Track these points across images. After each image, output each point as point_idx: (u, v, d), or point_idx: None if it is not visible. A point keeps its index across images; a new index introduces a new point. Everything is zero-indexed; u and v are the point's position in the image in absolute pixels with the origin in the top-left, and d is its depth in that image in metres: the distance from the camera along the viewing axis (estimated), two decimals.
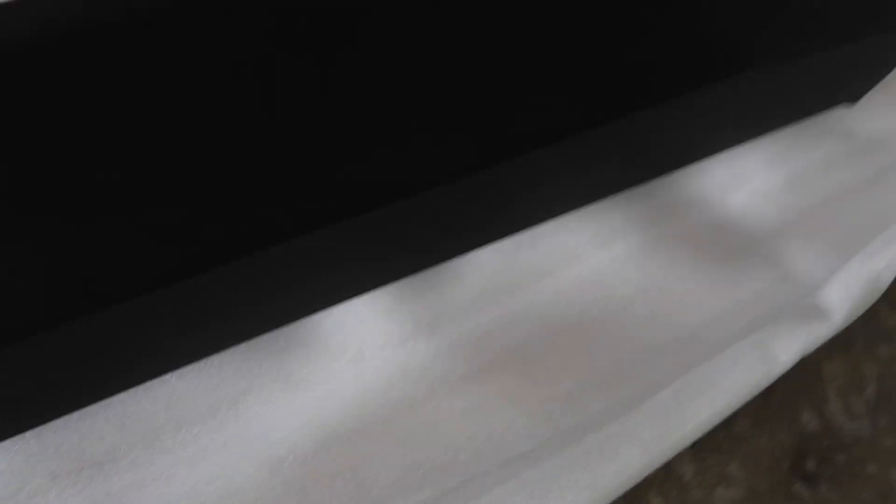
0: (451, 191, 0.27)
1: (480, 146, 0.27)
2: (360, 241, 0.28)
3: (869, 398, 0.32)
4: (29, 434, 0.28)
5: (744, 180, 0.36)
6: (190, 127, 0.24)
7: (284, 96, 0.25)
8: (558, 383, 0.30)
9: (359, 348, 0.31)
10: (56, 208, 0.23)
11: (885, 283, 0.30)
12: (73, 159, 0.23)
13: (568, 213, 0.34)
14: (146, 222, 0.23)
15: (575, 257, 0.33)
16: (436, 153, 0.26)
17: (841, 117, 0.39)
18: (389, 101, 0.26)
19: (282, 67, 0.25)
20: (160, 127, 0.24)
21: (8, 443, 0.28)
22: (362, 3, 0.26)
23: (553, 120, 0.27)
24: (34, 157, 0.23)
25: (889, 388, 0.33)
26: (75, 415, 0.28)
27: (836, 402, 0.32)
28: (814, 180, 0.36)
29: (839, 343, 0.33)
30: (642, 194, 0.35)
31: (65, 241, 0.23)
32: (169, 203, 0.23)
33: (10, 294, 0.22)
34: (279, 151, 0.25)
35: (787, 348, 0.28)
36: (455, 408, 0.29)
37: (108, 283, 0.22)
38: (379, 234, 0.28)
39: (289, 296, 0.30)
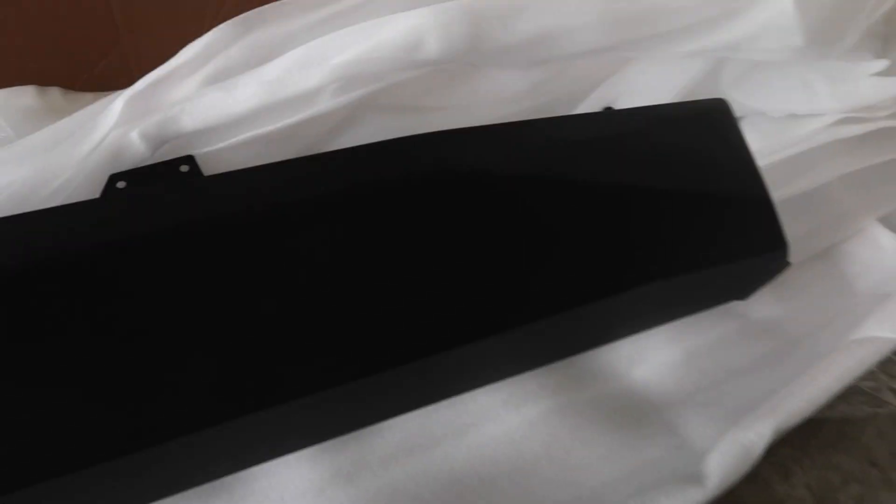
0: (382, 378, 0.31)
1: (410, 340, 0.31)
2: (295, 419, 0.32)
3: None
4: None
5: (648, 354, 0.41)
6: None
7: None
8: None
9: (280, 493, 0.33)
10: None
11: (756, 453, 0.33)
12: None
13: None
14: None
15: (490, 418, 0.37)
16: (370, 346, 0.31)
17: (735, 304, 0.44)
18: (323, 302, 0.31)
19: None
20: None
21: None
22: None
23: (478, 320, 0.32)
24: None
25: None
26: None
27: None
28: (709, 357, 0.41)
29: None
30: (556, 364, 0.39)
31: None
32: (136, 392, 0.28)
33: None
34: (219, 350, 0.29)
35: None
36: None
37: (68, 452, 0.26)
38: (314, 410, 0.32)
39: (230, 458, 0.33)
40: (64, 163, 0.37)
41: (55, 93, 0.42)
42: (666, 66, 0.49)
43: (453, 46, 0.40)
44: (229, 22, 0.40)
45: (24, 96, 0.41)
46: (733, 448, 0.33)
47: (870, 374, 0.42)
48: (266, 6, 0.41)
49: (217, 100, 0.38)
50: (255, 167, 0.35)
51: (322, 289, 0.31)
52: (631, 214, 0.36)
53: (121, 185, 0.37)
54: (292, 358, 0.29)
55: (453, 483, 0.34)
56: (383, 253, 0.32)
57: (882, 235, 0.47)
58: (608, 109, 0.48)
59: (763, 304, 0.44)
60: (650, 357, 0.41)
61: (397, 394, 0.35)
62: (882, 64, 0.46)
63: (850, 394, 0.41)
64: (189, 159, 0.39)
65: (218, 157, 0.40)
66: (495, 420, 0.36)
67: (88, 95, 0.44)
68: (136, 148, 0.38)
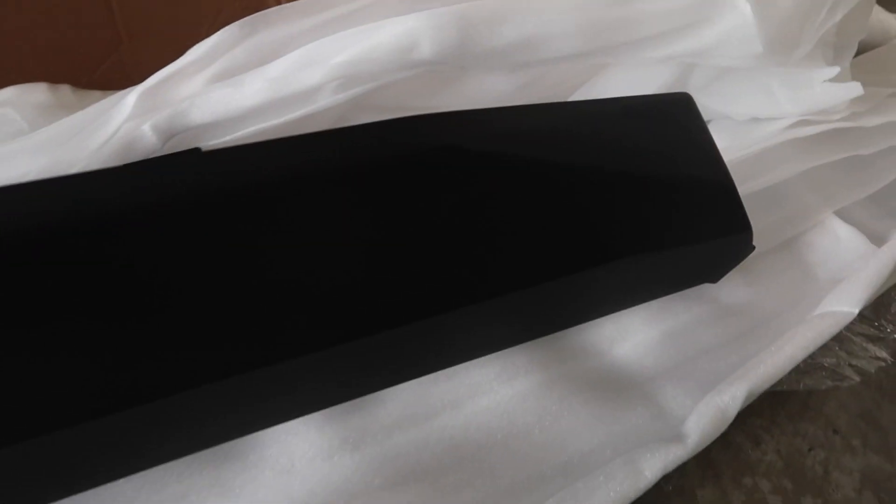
0: (383, 339, 0.33)
1: (408, 305, 0.33)
2: (300, 377, 0.34)
3: None
4: None
5: (628, 334, 0.44)
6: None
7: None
8: (464, 495, 0.34)
9: (290, 460, 0.35)
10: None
11: (731, 414, 0.36)
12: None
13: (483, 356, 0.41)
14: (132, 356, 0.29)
15: (484, 391, 0.39)
16: (371, 309, 0.33)
17: (707, 288, 0.47)
18: (329, 268, 0.33)
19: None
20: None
21: None
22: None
23: (471, 287, 0.35)
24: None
25: None
26: None
27: None
28: (684, 337, 0.44)
29: (709, 473, 0.39)
30: (543, 341, 0.42)
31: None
32: (152, 343, 0.29)
33: None
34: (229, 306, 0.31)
35: (651, 466, 0.34)
36: None
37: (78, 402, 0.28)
38: (319, 372, 0.34)
39: (235, 419, 0.35)
40: (78, 154, 0.39)
41: (65, 89, 0.44)
42: (639, 71, 0.52)
43: (445, 49, 0.43)
44: (235, 24, 0.43)
45: (35, 92, 0.43)
46: (710, 410, 0.36)
47: (831, 352, 0.45)
48: (270, 10, 0.44)
49: (225, 95, 0.41)
50: (263, 141, 0.37)
51: (317, 254, 0.33)
52: (603, 196, 0.39)
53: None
54: (293, 320, 0.31)
55: (453, 449, 0.36)
56: (375, 223, 0.34)
57: (839, 227, 0.51)
58: None
59: (732, 289, 0.48)
60: (630, 337, 0.44)
61: (394, 361, 0.37)
62: (834, 71, 0.50)
63: (813, 369, 0.44)
64: (198, 151, 0.41)
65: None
66: (489, 393, 0.39)
67: (97, 93, 0.46)
68: (148, 140, 0.40)
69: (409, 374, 0.38)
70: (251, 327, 0.31)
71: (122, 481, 0.33)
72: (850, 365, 0.45)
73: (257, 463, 0.35)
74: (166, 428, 0.32)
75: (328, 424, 0.36)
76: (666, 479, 0.36)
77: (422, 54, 0.43)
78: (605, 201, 0.39)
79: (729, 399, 0.36)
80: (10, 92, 0.43)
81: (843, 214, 0.53)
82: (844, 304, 0.42)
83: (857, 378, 0.44)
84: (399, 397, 0.38)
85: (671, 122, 0.42)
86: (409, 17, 0.42)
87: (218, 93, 0.41)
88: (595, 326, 0.44)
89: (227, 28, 0.43)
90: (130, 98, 0.40)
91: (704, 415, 0.36)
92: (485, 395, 0.39)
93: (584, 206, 0.38)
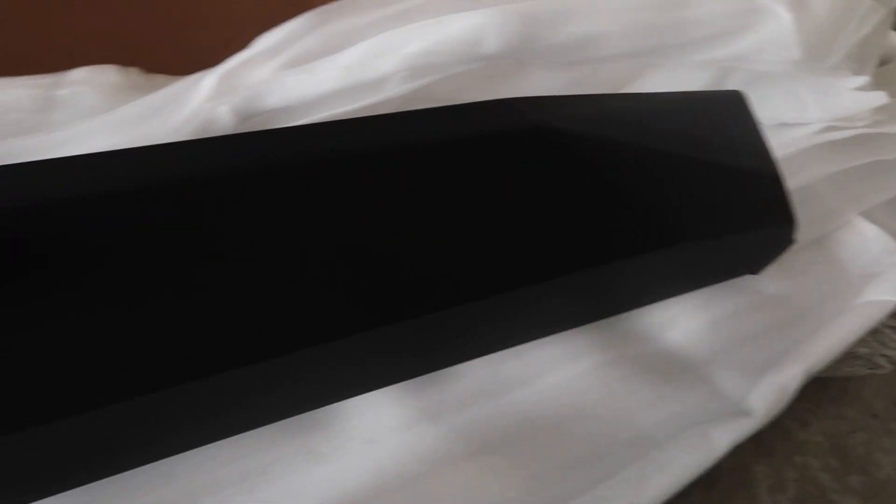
0: (459, 312, 0.34)
1: (481, 282, 0.35)
2: (382, 349, 0.35)
3: (791, 497, 0.39)
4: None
5: (677, 321, 0.46)
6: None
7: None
8: (540, 465, 0.36)
9: (373, 430, 0.36)
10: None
11: (791, 392, 0.38)
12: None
13: (546, 337, 0.42)
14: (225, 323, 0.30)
15: (551, 369, 0.40)
16: (449, 286, 0.34)
17: (747, 280, 0.50)
18: (415, 244, 0.34)
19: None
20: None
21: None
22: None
23: (540, 266, 0.36)
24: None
25: (806, 491, 0.40)
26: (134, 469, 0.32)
27: (765, 499, 0.39)
28: (730, 324, 0.46)
29: (762, 451, 0.41)
30: (602, 327, 0.44)
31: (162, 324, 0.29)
32: (238, 313, 0.30)
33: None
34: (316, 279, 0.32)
35: (721, 437, 0.35)
36: (456, 483, 0.34)
37: (176, 367, 0.29)
38: (399, 343, 0.35)
39: (318, 388, 0.36)
40: (158, 132, 0.40)
41: (135, 71, 0.45)
42: (680, 72, 0.55)
43: (508, 44, 0.45)
44: (308, 14, 0.45)
45: (107, 73, 0.44)
46: (772, 387, 0.38)
47: (865, 342, 0.48)
48: (342, 1, 0.45)
49: (300, 81, 0.42)
50: (340, 120, 0.38)
51: (391, 228, 0.34)
52: (663, 182, 0.41)
53: None
54: (366, 294, 0.32)
55: (526, 423, 0.37)
56: (448, 200, 0.35)
57: (866, 226, 0.54)
58: None
59: (770, 281, 0.50)
60: (679, 324, 0.46)
61: (464, 337, 0.38)
62: (862, 80, 0.54)
63: (849, 358, 0.47)
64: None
65: None
66: (556, 371, 0.40)
67: (161, 77, 0.47)
68: (225, 121, 0.41)
69: (478, 351, 0.40)
70: (326, 301, 0.32)
71: (212, 446, 0.34)
72: (882, 355, 0.48)
73: (341, 432, 0.36)
74: (255, 393, 0.33)
75: (406, 397, 0.37)
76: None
77: (487, 48, 0.44)
78: (664, 188, 0.41)
79: (789, 378, 0.38)
80: (84, 72, 0.43)
81: (867, 215, 0.56)
82: (886, 293, 0.44)
83: (889, 367, 0.47)
84: (471, 373, 0.39)
85: (726, 116, 0.44)
86: (477, 13, 0.44)
87: (293, 78, 0.42)
88: (645, 314, 0.46)
89: (300, 17, 0.45)
90: (208, 80, 0.41)
91: (767, 391, 0.38)
92: (551, 373, 0.40)
93: (644, 191, 0.40)
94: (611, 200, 0.39)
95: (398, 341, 0.35)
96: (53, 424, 0.26)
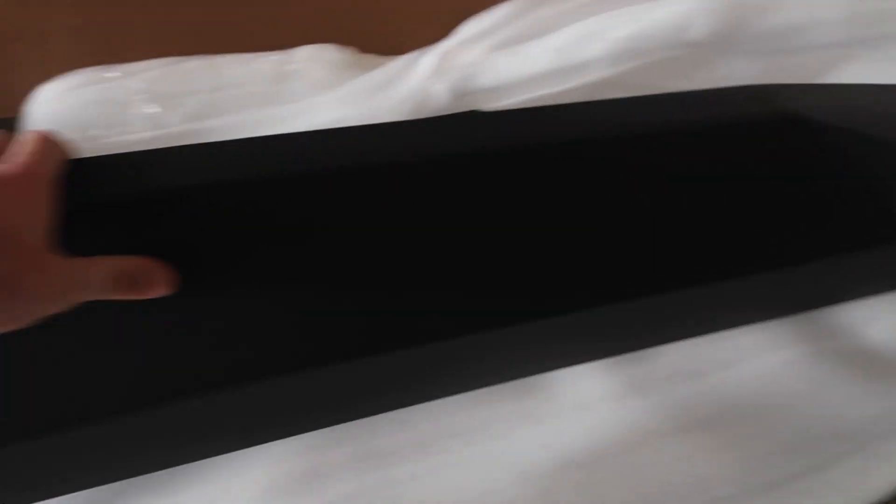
0: (669, 300, 0.35)
1: (709, 268, 0.35)
2: (601, 328, 0.36)
3: None
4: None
5: (878, 316, 0.44)
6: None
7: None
8: (749, 448, 0.36)
9: (583, 398, 0.37)
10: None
11: None
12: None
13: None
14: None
15: (752, 355, 0.40)
16: (678, 269, 0.35)
17: None
18: (647, 226, 0.35)
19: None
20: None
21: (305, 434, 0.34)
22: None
23: (752, 258, 0.36)
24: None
25: None
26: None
27: None
28: None
29: None
30: (802, 317, 0.43)
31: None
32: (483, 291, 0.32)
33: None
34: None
35: None
36: (667, 456, 0.35)
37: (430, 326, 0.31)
38: (613, 326, 0.36)
39: (537, 357, 0.38)
40: (382, 106, 0.43)
41: (351, 51, 0.48)
42: (877, 65, 0.53)
43: (715, 31, 0.45)
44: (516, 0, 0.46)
45: (328, 51, 0.47)
46: None
47: None
48: None
49: (512, 62, 0.44)
50: (541, 107, 0.39)
51: (596, 216, 0.34)
52: (869, 180, 0.40)
53: None
54: (580, 275, 0.33)
55: (731, 405, 0.38)
56: (697, 185, 0.36)
57: None
58: None
59: None
60: (880, 318, 0.44)
61: (672, 320, 0.39)
62: None
63: None
64: (474, 115, 0.45)
65: None
66: (757, 358, 0.40)
67: (372, 56, 0.50)
68: (441, 99, 0.43)
69: (686, 334, 0.40)
70: (556, 278, 0.33)
71: (434, 403, 0.36)
72: None
73: (552, 398, 0.37)
74: (486, 356, 0.35)
75: (614, 370, 0.38)
76: None
77: (693, 35, 0.45)
78: (868, 187, 0.40)
79: None
80: (309, 50, 0.47)
81: None
82: None
83: None
84: (673, 352, 0.40)
85: None
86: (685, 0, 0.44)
87: (504, 59, 0.44)
88: (846, 310, 0.45)
89: (509, 3, 0.46)
90: (427, 60, 0.44)
91: None
92: (753, 359, 0.40)
93: (875, 184, 0.39)
94: (849, 193, 0.38)
95: (618, 321, 0.36)
96: (340, 364, 0.29)
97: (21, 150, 0.26)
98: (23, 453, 0.28)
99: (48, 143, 0.27)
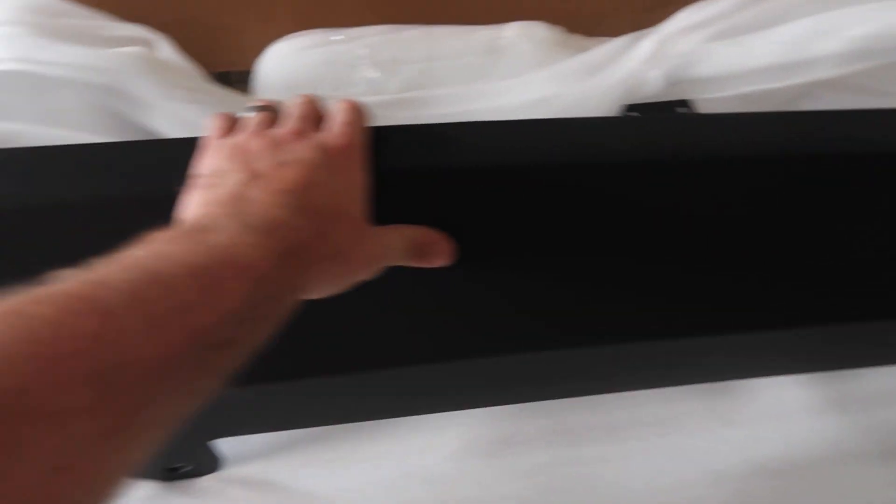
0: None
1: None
2: (794, 344, 0.34)
3: None
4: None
5: None
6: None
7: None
8: None
9: (780, 407, 0.37)
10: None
11: None
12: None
13: None
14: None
15: None
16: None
17: None
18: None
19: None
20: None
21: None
22: None
23: None
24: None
25: None
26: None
27: None
28: None
29: None
30: None
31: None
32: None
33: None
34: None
35: None
36: (870, 477, 0.34)
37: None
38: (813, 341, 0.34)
39: (729, 365, 0.37)
40: (596, 87, 0.43)
41: (559, 29, 0.49)
42: None
43: None
44: None
45: (537, 28, 0.48)
46: None
47: None
48: None
49: (732, 53, 0.42)
50: (751, 113, 0.37)
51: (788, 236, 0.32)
52: None
53: (633, 115, 0.43)
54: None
55: None
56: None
57: None
58: None
59: None
60: None
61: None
62: None
63: None
64: (684, 103, 0.44)
65: (709, 105, 0.44)
66: None
67: (579, 37, 0.50)
68: (653, 85, 0.43)
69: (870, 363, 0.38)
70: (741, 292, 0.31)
71: (639, 393, 0.37)
72: None
73: (748, 403, 0.37)
74: (689, 356, 0.35)
75: (813, 383, 0.37)
76: None
77: None
78: None
79: None
80: (518, 27, 0.48)
81: None
82: None
83: None
84: (874, 374, 0.38)
85: None
86: None
87: (726, 50, 0.43)
88: None
89: None
90: (646, 45, 0.43)
91: None
92: None
93: None
94: None
95: (809, 340, 0.35)
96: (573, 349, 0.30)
97: (338, 119, 0.26)
98: (287, 391, 0.31)
99: (359, 113, 0.27)
